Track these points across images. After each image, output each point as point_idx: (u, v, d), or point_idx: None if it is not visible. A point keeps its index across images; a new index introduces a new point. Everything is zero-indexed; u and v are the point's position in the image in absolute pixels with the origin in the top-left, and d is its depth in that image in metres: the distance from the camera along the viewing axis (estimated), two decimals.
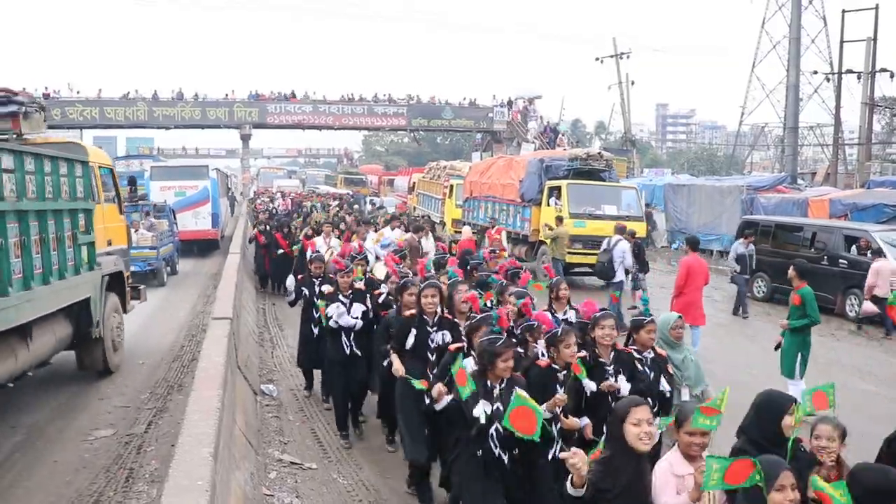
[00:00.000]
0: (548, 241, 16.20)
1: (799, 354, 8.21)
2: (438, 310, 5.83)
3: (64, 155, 8.04)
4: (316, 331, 8.10)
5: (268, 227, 16.20)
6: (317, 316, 7.82)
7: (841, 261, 13.98)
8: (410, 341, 5.67)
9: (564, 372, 4.72)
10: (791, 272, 8.55)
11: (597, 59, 45.52)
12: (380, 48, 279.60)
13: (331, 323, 6.92)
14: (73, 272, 7.97)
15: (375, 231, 14.50)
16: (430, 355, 5.60)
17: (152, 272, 16.10)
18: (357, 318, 6.93)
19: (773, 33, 51.83)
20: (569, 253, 16.23)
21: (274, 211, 22.43)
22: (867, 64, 31.39)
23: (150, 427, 7.58)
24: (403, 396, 5.75)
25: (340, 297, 7.05)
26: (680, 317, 5.96)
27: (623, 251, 12.57)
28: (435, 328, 5.71)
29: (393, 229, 14.60)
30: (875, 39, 30.62)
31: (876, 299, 12.28)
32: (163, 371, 9.81)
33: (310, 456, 6.78)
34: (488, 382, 4.39)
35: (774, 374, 8.39)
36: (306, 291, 8.40)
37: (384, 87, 43.75)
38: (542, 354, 4.93)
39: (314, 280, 8.37)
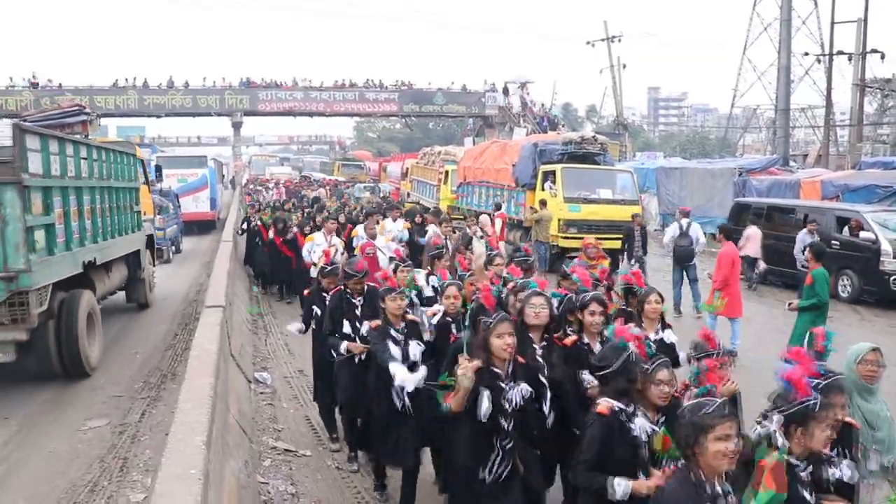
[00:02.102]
0: (532, 224, 16.19)
1: (807, 334, 8.17)
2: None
3: (125, 150, 12.18)
4: (336, 359, 6.17)
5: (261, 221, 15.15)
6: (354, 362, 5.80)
7: (833, 242, 14.02)
8: (485, 407, 3.84)
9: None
10: (807, 253, 8.56)
11: (588, 42, 45.50)
12: (379, 48, 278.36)
13: (398, 383, 4.88)
14: (132, 231, 11.97)
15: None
16: (503, 421, 3.94)
17: (159, 250, 17.08)
18: (421, 374, 4.93)
19: (763, 15, 51.88)
20: (563, 237, 16.24)
21: (270, 202, 21.64)
22: (858, 45, 31.34)
23: (143, 416, 7.57)
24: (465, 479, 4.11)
25: (392, 331, 5.13)
26: (875, 348, 4.09)
27: (697, 232, 12.79)
28: (510, 382, 4.00)
29: (395, 220, 12.87)
30: (866, 20, 30.55)
31: (746, 259, 14.26)
32: (156, 360, 9.80)
33: (304, 443, 6.80)
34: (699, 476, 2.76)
35: None
36: (317, 310, 6.63)
37: (376, 79, 43.45)
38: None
39: (325, 294, 6.63)
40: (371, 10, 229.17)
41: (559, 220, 16.31)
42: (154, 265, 14.01)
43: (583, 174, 17.37)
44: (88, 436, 7.07)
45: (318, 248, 10.60)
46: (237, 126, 45.13)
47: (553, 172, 17.14)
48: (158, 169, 17.02)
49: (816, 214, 15.02)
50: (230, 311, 9.07)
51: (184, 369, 6.53)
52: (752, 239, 14.91)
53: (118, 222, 10.97)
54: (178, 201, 22.45)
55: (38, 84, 40.26)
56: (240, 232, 17.04)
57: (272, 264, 14.21)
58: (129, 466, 6.29)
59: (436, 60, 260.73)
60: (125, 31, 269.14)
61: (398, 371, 4.86)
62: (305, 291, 7.25)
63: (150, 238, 13.63)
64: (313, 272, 10.18)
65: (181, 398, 4.93)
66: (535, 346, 4.48)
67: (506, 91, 45.75)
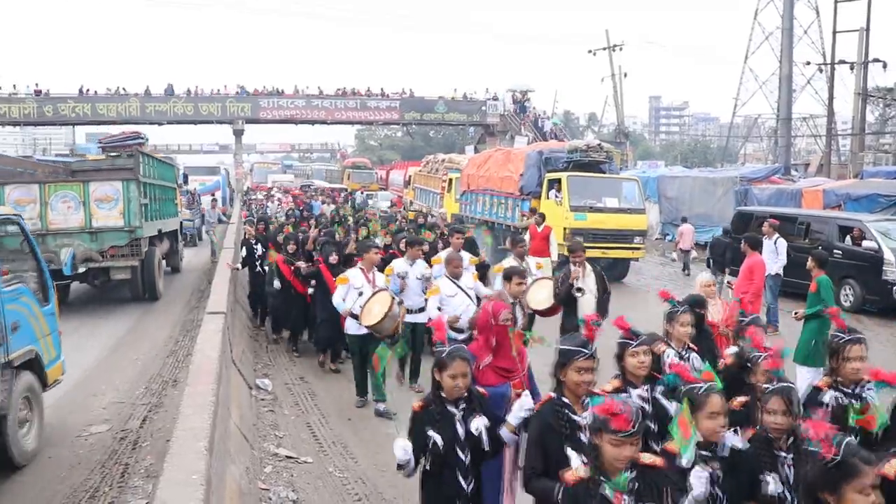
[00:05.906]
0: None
1: (814, 342, 8.10)
2: None
3: (168, 161, 18.18)
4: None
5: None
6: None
7: (835, 251, 13.99)
8: None
9: None
10: (810, 262, 8.45)
11: (589, 51, 45.77)
12: (376, 52, 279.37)
13: None
14: (173, 216, 17.18)
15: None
16: None
17: (190, 235, 24.17)
18: None
19: (765, 24, 51.89)
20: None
21: (275, 217, 19.03)
22: (860, 54, 31.42)
23: (145, 422, 7.55)
24: None
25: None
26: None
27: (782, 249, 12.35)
28: None
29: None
30: (868, 30, 30.66)
31: (680, 251, 18.90)
32: (157, 366, 9.78)
33: (305, 450, 6.76)
34: None
35: None
36: (436, 437, 3.64)
37: (378, 87, 43.45)
38: None
39: (452, 408, 3.72)
40: (373, 15, 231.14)
41: (565, 228, 16.23)
42: (183, 243, 20.16)
43: (588, 182, 17.30)
44: (89, 441, 7.05)
45: (355, 292, 7.60)
46: (238, 134, 45.18)
47: (558, 181, 17.10)
48: (185, 176, 23.74)
49: (818, 223, 14.98)
50: (232, 318, 9.05)
51: (185, 375, 6.51)
52: (686, 234, 18.66)
53: (168, 209, 16.49)
54: (201, 199, 28.67)
55: (41, 92, 40.38)
56: (239, 267, 12.22)
57: (283, 303, 10.47)
58: (130, 472, 6.27)
59: (437, 67, 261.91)
60: (125, 39, 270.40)
61: None
62: (416, 405, 3.83)
63: (180, 223, 19.07)
64: (350, 328, 7.77)
65: (183, 404, 4.92)
66: None
67: (495, 98, 45.61)
